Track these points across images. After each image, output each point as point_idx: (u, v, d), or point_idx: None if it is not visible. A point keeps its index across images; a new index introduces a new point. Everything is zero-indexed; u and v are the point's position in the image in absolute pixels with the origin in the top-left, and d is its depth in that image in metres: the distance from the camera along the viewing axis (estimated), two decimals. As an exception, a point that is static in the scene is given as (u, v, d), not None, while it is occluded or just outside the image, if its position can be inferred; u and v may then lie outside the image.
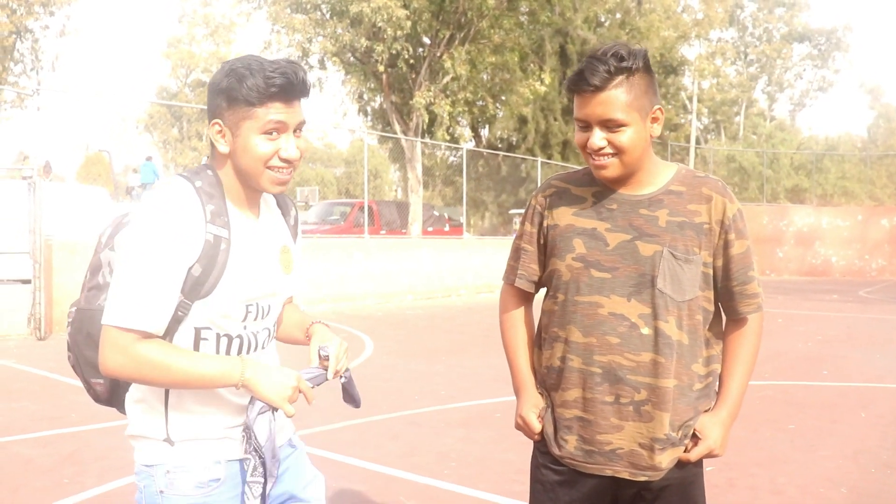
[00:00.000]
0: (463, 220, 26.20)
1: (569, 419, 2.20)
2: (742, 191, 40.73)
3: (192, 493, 1.91)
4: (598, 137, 2.08)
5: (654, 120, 2.12)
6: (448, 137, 25.05)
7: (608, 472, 2.17)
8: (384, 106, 25.59)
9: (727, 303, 2.24)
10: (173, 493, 1.91)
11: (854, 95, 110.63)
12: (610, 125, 2.06)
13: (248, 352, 1.99)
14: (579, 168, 2.35)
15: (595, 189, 2.22)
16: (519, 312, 2.41)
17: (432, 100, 22.53)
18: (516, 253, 2.37)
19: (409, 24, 21.04)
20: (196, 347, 1.91)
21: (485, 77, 25.44)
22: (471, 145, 33.25)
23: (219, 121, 1.88)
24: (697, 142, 44.17)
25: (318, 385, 1.98)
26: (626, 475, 2.16)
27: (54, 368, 9.07)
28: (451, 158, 36.67)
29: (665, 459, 2.15)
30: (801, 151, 44.07)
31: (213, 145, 1.93)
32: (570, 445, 2.20)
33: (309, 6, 22.63)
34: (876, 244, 31.01)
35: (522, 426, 2.33)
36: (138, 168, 25.04)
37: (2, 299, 12.32)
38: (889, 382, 8.65)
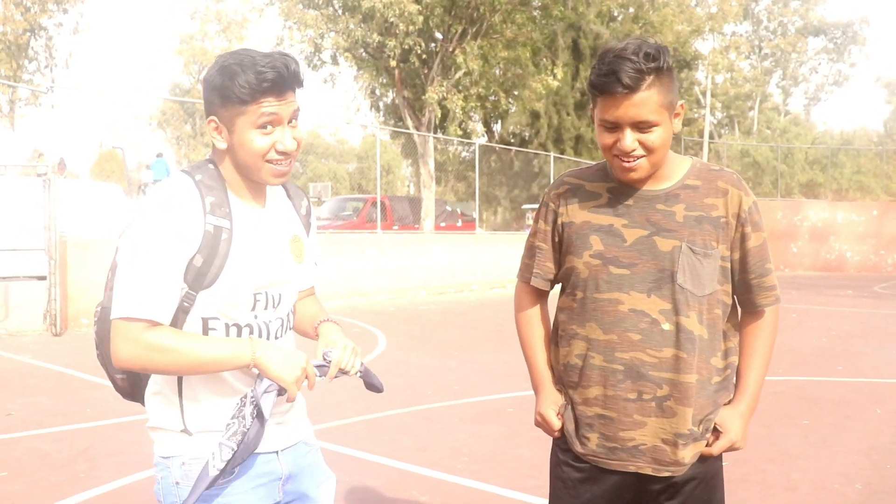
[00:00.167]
0: (475, 215, 26.20)
1: (590, 417, 2.19)
2: (756, 186, 40.55)
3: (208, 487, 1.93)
4: (629, 139, 2.03)
5: (676, 115, 2.10)
6: (460, 132, 25.06)
7: (631, 469, 2.16)
8: (396, 101, 25.58)
9: (744, 295, 2.23)
10: (189, 484, 1.92)
11: (870, 89, 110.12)
12: (642, 126, 2.02)
13: None
14: (591, 164, 2.33)
15: (610, 185, 2.20)
16: (535, 310, 2.40)
17: (445, 95, 22.51)
18: (531, 251, 2.36)
19: (421, 19, 21.01)
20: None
21: (497, 72, 25.39)
22: (483, 140, 33.20)
23: (214, 118, 1.90)
24: (711, 137, 44.00)
25: (322, 377, 1.99)
26: (649, 471, 2.15)
27: (70, 364, 9.14)
28: (464, 154, 36.63)
29: (688, 454, 2.14)
30: (815, 146, 43.86)
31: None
32: (593, 443, 2.19)
33: (321, 2, 22.63)
34: (891, 239, 30.78)
35: (542, 423, 2.31)
36: (151, 165, 25.14)
37: (17, 296, 12.42)
38: (904, 378, 8.60)
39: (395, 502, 4.65)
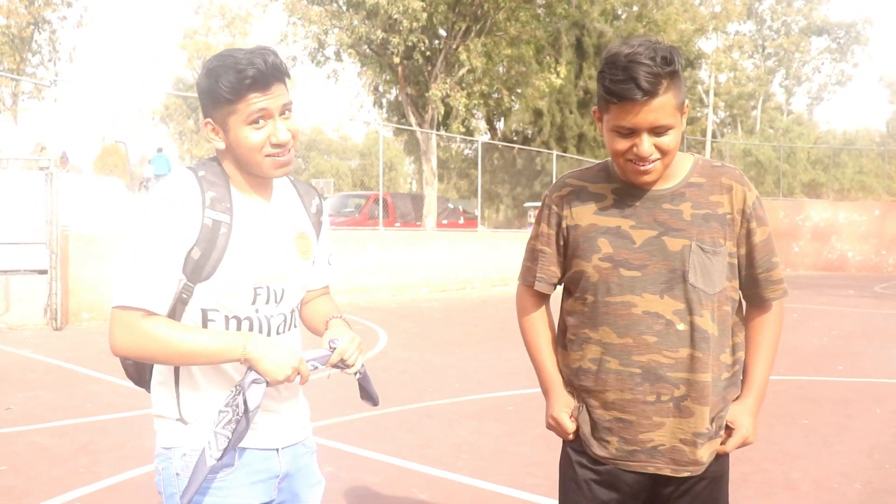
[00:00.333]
0: (478, 212, 26.18)
1: (608, 421, 2.17)
2: (758, 185, 40.50)
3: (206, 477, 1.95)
4: (647, 145, 2.00)
5: (683, 114, 2.07)
6: (463, 130, 25.05)
7: (650, 470, 2.15)
8: (400, 98, 25.58)
9: (752, 290, 2.21)
10: (189, 475, 1.94)
11: (873, 90, 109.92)
12: (659, 130, 1.99)
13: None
14: (591, 164, 2.30)
15: (613, 185, 2.17)
16: (539, 314, 2.37)
17: (448, 92, 22.49)
18: (532, 254, 2.32)
19: (425, 16, 20.99)
20: (204, 328, 1.96)
21: (500, 70, 25.38)
22: (486, 138, 33.19)
23: (209, 119, 1.96)
24: (714, 136, 43.96)
25: (321, 366, 2.00)
26: (668, 471, 2.14)
27: (70, 358, 9.14)
28: (467, 151, 36.60)
29: (706, 453, 2.14)
30: (818, 146, 43.82)
31: None
32: (613, 446, 2.17)
33: (325, -2, 22.64)
34: (893, 239, 30.76)
35: (554, 426, 2.28)
36: (152, 160, 25.15)
37: (19, 289, 12.42)
38: (905, 379, 8.59)
39: (395, 500, 4.65)
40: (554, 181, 2.25)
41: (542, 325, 2.36)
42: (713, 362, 2.12)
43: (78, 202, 13.51)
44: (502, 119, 34.00)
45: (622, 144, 2.03)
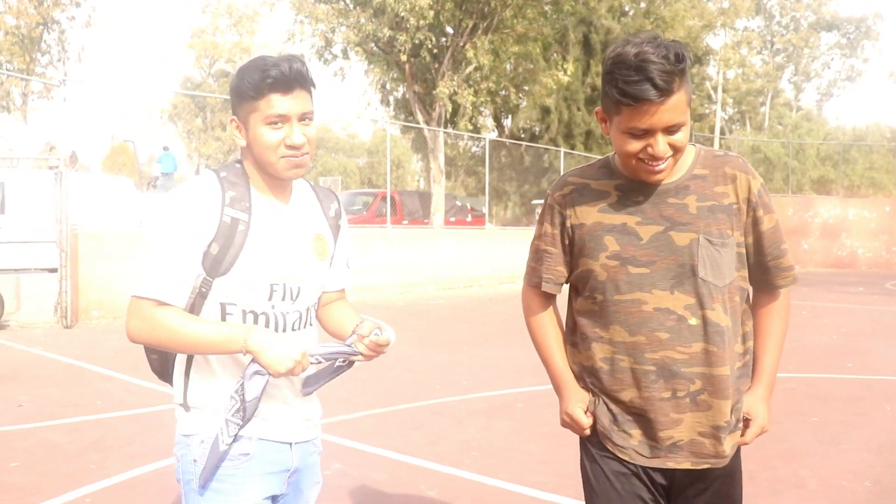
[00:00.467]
0: (485, 210, 26.15)
1: (627, 417, 2.16)
2: (767, 182, 40.31)
3: (222, 464, 2.01)
4: (663, 145, 1.96)
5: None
6: (471, 127, 25.00)
7: (670, 465, 2.14)
8: (407, 96, 25.58)
9: (762, 277, 2.20)
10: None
11: (883, 85, 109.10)
12: (672, 129, 1.95)
13: (274, 330, 2.07)
14: (593, 161, 2.28)
15: (616, 182, 2.15)
16: (547, 314, 2.35)
17: (455, 90, 22.49)
18: (537, 255, 2.30)
19: (432, 13, 20.99)
20: (222, 321, 2.04)
21: (508, 67, 25.34)
22: (493, 135, 33.17)
23: (234, 117, 2.05)
24: (722, 132, 43.84)
25: (325, 361, 2.05)
26: (687, 465, 2.13)
27: (80, 356, 9.18)
28: (474, 148, 36.62)
29: (728, 446, 2.14)
30: (827, 142, 43.58)
31: None
32: (635, 439, 2.15)
33: (332, -4, 22.66)
34: (903, 236, 30.61)
35: (570, 423, 2.25)
36: (159, 158, 25.22)
37: (29, 288, 12.49)
38: (915, 376, 8.56)
39: (403, 497, 4.67)
40: (561, 178, 2.23)
41: (550, 325, 2.35)
42: (729, 354, 2.11)
43: (87, 201, 13.57)
44: (510, 116, 33.94)
45: (635, 146, 1.99)
